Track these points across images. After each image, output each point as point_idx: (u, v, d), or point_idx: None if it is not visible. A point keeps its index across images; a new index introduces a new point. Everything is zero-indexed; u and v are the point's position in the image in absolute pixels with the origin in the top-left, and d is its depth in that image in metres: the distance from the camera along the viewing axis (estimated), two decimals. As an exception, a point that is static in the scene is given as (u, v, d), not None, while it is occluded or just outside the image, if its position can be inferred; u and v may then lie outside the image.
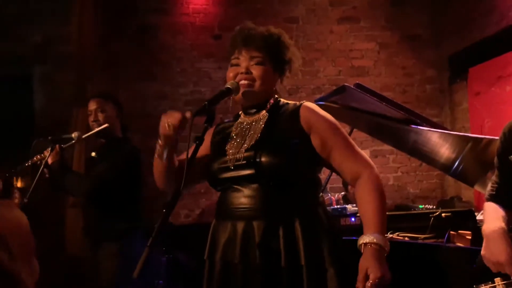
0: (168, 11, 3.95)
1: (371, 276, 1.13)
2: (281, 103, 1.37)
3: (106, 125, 2.31)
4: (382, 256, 1.16)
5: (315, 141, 1.28)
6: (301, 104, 1.33)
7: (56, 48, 3.59)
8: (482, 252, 1.33)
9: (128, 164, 2.28)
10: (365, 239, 1.17)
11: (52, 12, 3.58)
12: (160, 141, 1.28)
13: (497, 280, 1.33)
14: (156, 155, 1.31)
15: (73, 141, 2.30)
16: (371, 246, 1.16)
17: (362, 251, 1.17)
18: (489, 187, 1.48)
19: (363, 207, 1.22)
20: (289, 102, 1.37)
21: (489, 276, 1.33)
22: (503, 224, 1.32)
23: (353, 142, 1.30)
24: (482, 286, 1.34)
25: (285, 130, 1.29)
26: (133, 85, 3.80)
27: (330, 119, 1.31)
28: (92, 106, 2.37)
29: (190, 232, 3.05)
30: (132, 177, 2.29)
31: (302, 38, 4.01)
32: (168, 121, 1.21)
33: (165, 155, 1.28)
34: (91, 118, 2.35)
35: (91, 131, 2.34)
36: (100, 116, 2.33)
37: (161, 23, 3.92)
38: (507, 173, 1.40)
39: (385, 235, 1.20)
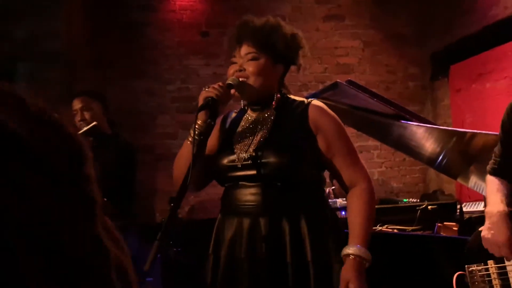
0: (155, 8, 3.93)
1: (352, 287, 1.19)
2: (289, 99, 1.36)
3: (94, 123, 2.28)
4: (363, 268, 1.22)
5: (321, 142, 1.30)
6: (309, 103, 1.33)
7: (42, 45, 3.53)
8: (483, 233, 1.38)
9: (120, 159, 2.26)
10: (349, 250, 1.23)
11: (38, 7, 3.52)
12: (198, 121, 1.25)
13: (490, 262, 1.39)
14: (188, 139, 1.29)
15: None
16: (354, 258, 1.22)
17: (344, 261, 1.23)
18: (491, 160, 1.50)
19: (352, 217, 1.28)
20: (296, 98, 1.37)
21: (481, 259, 1.40)
22: (505, 208, 1.37)
23: (355, 149, 1.34)
24: (474, 266, 1.40)
25: (292, 129, 1.30)
26: (121, 82, 3.77)
27: (338, 122, 1.32)
28: (77, 105, 2.33)
29: (180, 228, 3.06)
30: (126, 172, 2.27)
31: (289, 35, 4.03)
32: (210, 87, 1.26)
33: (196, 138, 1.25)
34: (77, 118, 2.32)
35: (78, 130, 2.32)
36: (87, 115, 2.30)
37: (148, 20, 3.89)
38: (510, 147, 1.42)
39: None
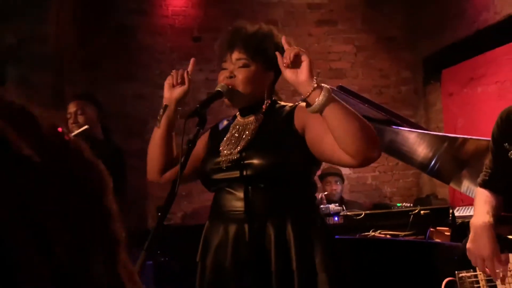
0: (147, 12, 3.92)
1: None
2: (277, 105, 1.36)
3: (86, 126, 2.26)
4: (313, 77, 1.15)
5: (309, 136, 1.25)
6: (296, 106, 1.32)
7: (31, 48, 3.50)
8: (468, 245, 1.37)
9: (108, 165, 2.24)
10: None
11: (27, 10, 3.49)
12: (162, 108, 1.34)
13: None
14: (160, 132, 1.37)
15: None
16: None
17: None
18: (482, 172, 1.48)
19: None
20: (287, 104, 1.36)
21: (471, 265, 1.39)
22: (491, 219, 1.35)
23: None
24: (464, 273, 1.39)
25: (277, 132, 1.28)
26: (112, 86, 3.74)
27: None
28: (72, 108, 2.32)
29: (172, 234, 3.03)
30: (115, 180, 2.25)
31: (281, 40, 4.04)
32: (170, 77, 1.34)
33: (164, 123, 1.35)
34: (70, 121, 2.30)
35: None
36: (80, 118, 2.29)
37: (140, 24, 3.88)
38: (500, 159, 1.40)
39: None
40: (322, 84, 1.16)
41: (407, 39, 4.29)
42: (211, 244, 1.28)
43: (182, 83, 1.35)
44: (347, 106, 1.18)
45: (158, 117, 1.36)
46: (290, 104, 1.35)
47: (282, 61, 1.18)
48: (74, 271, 0.29)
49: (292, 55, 1.16)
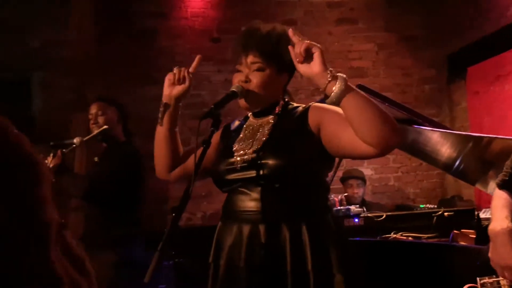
0: (166, 15, 3.96)
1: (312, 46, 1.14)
2: (290, 106, 1.35)
3: (105, 126, 2.29)
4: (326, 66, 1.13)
5: (325, 134, 1.24)
6: (309, 106, 1.31)
7: (54, 53, 3.59)
8: (490, 254, 1.31)
9: (127, 167, 2.26)
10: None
11: (50, 17, 3.58)
12: (161, 106, 1.35)
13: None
14: (163, 130, 1.38)
15: (74, 146, 2.29)
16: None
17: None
18: (502, 172, 1.42)
19: None
20: (299, 105, 1.35)
21: (494, 271, 1.33)
22: (510, 224, 1.29)
23: None
24: (486, 279, 1.34)
25: (292, 132, 1.27)
26: (132, 89, 3.79)
27: (338, 110, 1.25)
28: (93, 109, 2.36)
29: (192, 235, 3.05)
30: (132, 181, 2.27)
31: (301, 40, 4.01)
32: (171, 74, 1.34)
33: (167, 121, 1.36)
34: (91, 122, 2.35)
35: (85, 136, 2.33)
36: (100, 119, 2.32)
37: (159, 27, 3.92)
38: None
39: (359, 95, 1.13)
40: (338, 74, 1.14)
41: (430, 37, 4.19)
42: (224, 244, 1.27)
43: (183, 81, 1.35)
44: (364, 94, 1.15)
45: (160, 115, 1.37)
46: (303, 105, 1.34)
47: (294, 55, 1.16)
48: (4, 254, 0.31)
49: (302, 50, 1.14)
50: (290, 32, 1.19)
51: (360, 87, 2.09)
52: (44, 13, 3.60)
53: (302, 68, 1.16)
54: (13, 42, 3.57)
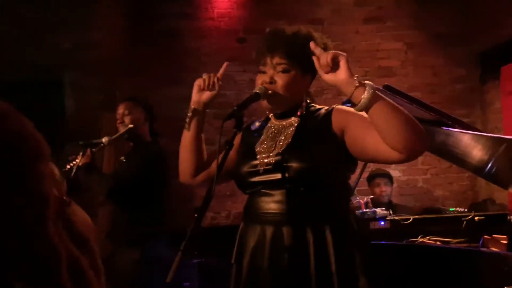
0: (193, 16, 4.00)
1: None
2: (312, 108, 1.35)
3: (130, 125, 2.34)
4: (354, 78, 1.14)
5: (349, 137, 1.24)
6: (332, 109, 1.30)
7: (85, 54, 3.69)
8: None
9: (151, 166, 2.29)
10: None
11: (82, 19, 3.68)
12: (189, 111, 1.38)
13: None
14: (190, 136, 1.39)
15: (103, 145, 2.35)
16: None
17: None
18: None
19: None
20: (321, 107, 1.35)
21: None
22: None
23: None
24: None
25: (315, 135, 1.27)
26: (159, 89, 3.85)
27: (362, 113, 1.24)
28: (121, 109, 2.41)
29: (217, 234, 3.07)
30: (156, 180, 2.31)
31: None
32: (201, 80, 1.36)
33: (194, 126, 1.38)
34: (118, 121, 2.40)
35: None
36: (127, 119, 2.37)
37: (186, 28, 3.96)
38: None
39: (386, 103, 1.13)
40: (365, 82, 1.14)
41: (461, 35, 4.06)
42: (247, 245, 1.28)
43: (213, 87, 1.36)
44: (391, 100, 1.15)
45: (187, 120, 1.39)
46: (326, 107, 1.34)
47: (320, 66, 1.17)
48: (2, 224, 0.31)
49: (329, 60, 1.14)
50: (312, 44, 1.20)
51: (387, 87, 2.05)
52: (75, 15, 3.71)
53: (327, 77, 1.16)
54: (46, 43, 3.70)
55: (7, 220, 0.32)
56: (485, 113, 4.03)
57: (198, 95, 1.37)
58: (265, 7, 3.98)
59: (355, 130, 1.22)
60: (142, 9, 3.89)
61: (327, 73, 1.16)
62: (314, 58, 1.18)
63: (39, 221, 0.34)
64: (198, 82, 1.37)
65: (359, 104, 1.12)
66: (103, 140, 2.34)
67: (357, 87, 1.12)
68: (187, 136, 1.40)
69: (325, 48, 1.28)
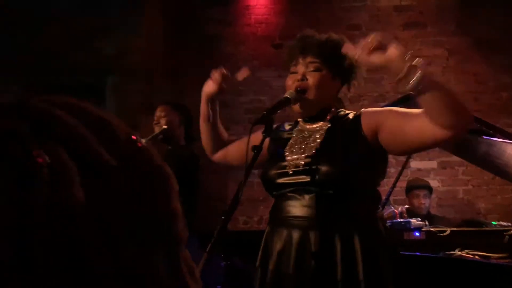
0: (231, 22, 4.05)
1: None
2: (342, 113, 1.35)
3: (164, 127, 2.39)
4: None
5: (386, 132, 1.22)
6: (361, 112, 1.30)
7: (126, 59, 3.82)
8: None
9: (182, 170, 2.33)
10: None
11: (123, 25, 3.82)
12: (202, 103, 1.48)
13: None
14: (201, 119, 1.51)
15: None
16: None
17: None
18: None
19: None
20: (350, 112, 1.35)
21: None
22: None
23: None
24: None
25: (345, 139, 1.27)
26: (197, 94, 3.91)
27: (391, 108, 1.27)
28: (158, 112, 2.48)
29: (249, 238, 3.07)
30: (188, 183, 2.34)
31: (365, 45, 3.92)
32: (212, 78, 1.43)
33: (210, 115, 1.49)
34: (154, 122, 2.47)
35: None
36: (162, 120, 2.43)
37: (224, 34, 4.02)
38: None
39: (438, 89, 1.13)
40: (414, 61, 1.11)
41: (507, 41, 3.89)
42: (272, 249, 1.27)
43: (216, 83, 1.44)
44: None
45: (202, 114, 1.53)
46: (353, 112, 1.33)
47: (365, 47, 1.12)
48: (138, 271, 0.30)
49: (379, 38, 1.11)
50: (345, 48, 1.20)
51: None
52: (117, 21, 3.86)
53: (374, 57, 1.11)
54: (90, 49, 3.86)
55: (143, 266, 0.30)
56: (532, 122, 3.83)
57: (207, 85, 1.46)
58: (302, 14, 3.98)
59: (391, 123, 1.21)
60: (182, 16, 3.99)
61: (369, 54, 1.10)
62: (352, 48, 1.16)
63: (175, 263, 0.33)
64: (213, 72, 1.45)
65: (415, 79, 1.08)
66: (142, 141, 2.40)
67: (411, 62, 1.09)
68: (200, 123, 1.53)
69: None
